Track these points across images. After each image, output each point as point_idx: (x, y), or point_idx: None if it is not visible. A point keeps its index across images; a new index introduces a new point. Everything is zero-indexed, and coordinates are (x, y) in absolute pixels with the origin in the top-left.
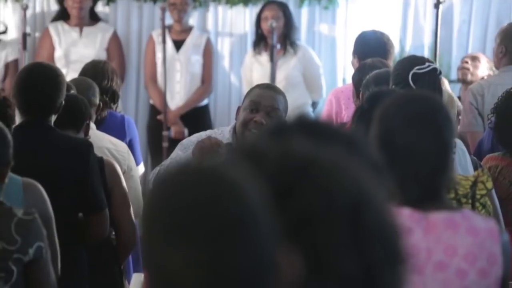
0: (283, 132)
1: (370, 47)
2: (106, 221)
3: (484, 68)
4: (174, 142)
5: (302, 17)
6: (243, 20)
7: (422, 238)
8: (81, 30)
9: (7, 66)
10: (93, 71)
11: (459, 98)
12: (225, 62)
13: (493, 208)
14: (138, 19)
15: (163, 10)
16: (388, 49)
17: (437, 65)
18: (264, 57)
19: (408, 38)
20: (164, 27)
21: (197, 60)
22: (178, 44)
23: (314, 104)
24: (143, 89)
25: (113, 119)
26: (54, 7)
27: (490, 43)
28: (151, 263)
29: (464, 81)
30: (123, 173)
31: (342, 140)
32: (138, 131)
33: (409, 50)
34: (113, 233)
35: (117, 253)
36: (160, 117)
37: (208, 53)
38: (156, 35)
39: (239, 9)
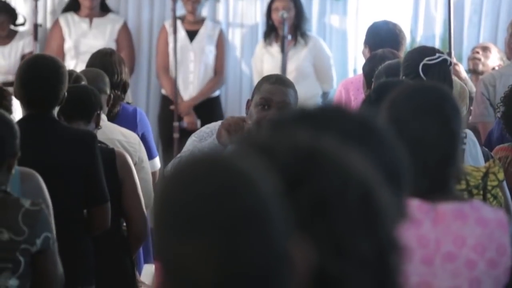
0: (284, 124)
1: (381, 38)
2: (109, 213)
3: (495, 59)
4: (185, 133)
5: (313, 7)
6: (254, 11)
7: (430, 229)
8: (91, 21)
9: (23, 57)
10: (101, 65)
11: None
12: (236, 53)
13: (504, 199)
14: (149, 10)
15: (174, 1)
16: (400, 40)
17: (447, 56)
18: (275, 48)
19: (420, 28)
20: (175, 18)
21: (210, 50)
22: (191, 35)
23: (325, 95)
24: (154, 80)
25: (125, 113)
26: None
27: (502, 34)
28: (164, 255)
29: (475, 72)
30: (134, 164)
31: (339, 129)
32: (149, 122)
33: (420, 40)
34: (124, 224)
35: (128, 244)
36: (172, 107)
37: (221, 44)
38: (169, 25)
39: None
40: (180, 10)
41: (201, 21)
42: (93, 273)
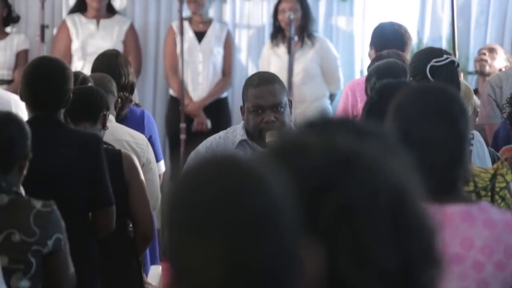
0: (324, 126)
1: (387, 39)
2: (114, 216)
3: (501, 60)
4: (192, 135)
5: (320, 9)
6: (260, 12)
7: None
8: (98, 23)
9: (17, 55)
10: (108, 68)
11: (476, 90)
12: (243, 54)
13: None
14: (156, 11)
15: (181, 2)
16: (405, 41)
17: (455, 57)
18: (282, 49)
19: (426, 29)
20: (181, 19)
21: (218, 52)
22: (199, 36)
23: (331, 96)
24: (161, 81)
25: (132, 115)
26: None
27: (509, 34)
28: (173, 256)
29: (481, 73)
30: (142, 165)
31: (380, 137)
32: (156, 123)
33: (427, 41)
34: (131, 225)
35: (135, 245)
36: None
37: (229, 46)
38: (176, 26)
39: (257, 1)
40: (187, 11)
41: (208, 22)
42: (98, 276)
